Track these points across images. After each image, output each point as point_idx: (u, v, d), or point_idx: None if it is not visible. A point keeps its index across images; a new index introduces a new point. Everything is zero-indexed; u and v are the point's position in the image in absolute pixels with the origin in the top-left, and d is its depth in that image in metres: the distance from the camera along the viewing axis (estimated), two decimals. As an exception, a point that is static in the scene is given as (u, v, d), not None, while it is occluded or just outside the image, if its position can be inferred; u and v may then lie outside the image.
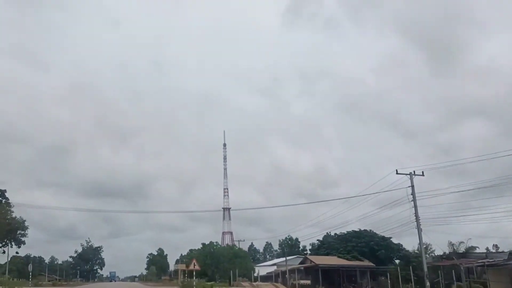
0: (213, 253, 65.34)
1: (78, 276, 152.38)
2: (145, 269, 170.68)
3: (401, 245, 63.82)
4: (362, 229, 65.51)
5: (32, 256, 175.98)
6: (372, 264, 58.54)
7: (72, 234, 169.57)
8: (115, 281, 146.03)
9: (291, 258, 78.22)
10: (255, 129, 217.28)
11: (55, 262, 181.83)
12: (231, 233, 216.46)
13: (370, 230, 63.09)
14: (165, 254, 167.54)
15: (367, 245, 61.06)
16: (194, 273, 46.80)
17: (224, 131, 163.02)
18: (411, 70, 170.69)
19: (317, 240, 76.00)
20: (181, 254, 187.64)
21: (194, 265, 39.91)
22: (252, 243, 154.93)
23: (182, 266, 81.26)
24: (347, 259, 59.27)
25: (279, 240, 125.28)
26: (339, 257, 60.46)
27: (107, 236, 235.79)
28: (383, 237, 60.37)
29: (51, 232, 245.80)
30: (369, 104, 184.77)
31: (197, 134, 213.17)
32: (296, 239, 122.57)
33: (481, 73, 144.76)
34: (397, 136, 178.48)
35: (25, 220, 69.68)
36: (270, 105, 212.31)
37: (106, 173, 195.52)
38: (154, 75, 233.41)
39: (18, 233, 67.12)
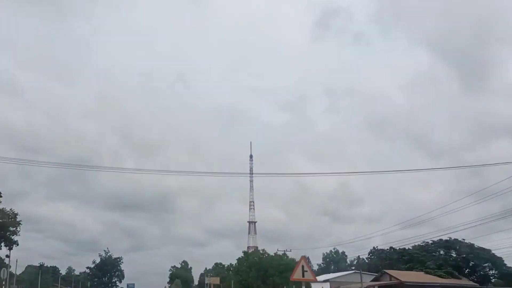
0: (260, 264, 51.12)
1: None
2: (168, 282, 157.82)
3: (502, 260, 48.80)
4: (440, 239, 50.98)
5: (45, 265, 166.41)
6: (474, 283, 43.74)
7: (92, 246, 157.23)
8: None
9: (347, 274, 64.12)
10: (280, 145, 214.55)
11: (72, 273, 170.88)
12: (256, 247, 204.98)
13: (463, 239, 48.69)
14: (189, 267, 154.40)
15: (464, 259, 46.53)
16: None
17: (250, 142, 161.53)
18: (440, 87, 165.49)
19: (370, 254, 64.32)
20: (206, 268, 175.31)
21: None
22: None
23: (216, 280, 67.71)
24: (440, 275, 44.66)
25: (323, 254, 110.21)
26: (426, 272, 46.01)
27: (128, 250, 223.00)
28: (483, 248, 45.95)
29: (71, 244, 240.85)
30: (396, 122, 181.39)
31: (221, 149, 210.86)
32: (343, 252, 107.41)
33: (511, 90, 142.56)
34: (424, 156, 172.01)
35: (17, 214, 56.69)
36: (295, 121, 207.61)
37: (129, 187, 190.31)
38: (178, 88, 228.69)
39: (8, 230, 54.02)
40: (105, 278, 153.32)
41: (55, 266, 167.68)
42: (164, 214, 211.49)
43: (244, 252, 54.47)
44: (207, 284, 70.56)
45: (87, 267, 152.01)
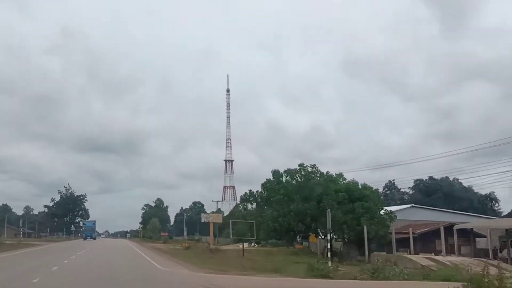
0: (310, 189, 31.72)
1: (50, 231, 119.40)
2: (140, 223, 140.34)
3: None
4: None
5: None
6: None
7: (60, 188, 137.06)
8: (93, 238, 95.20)
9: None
10: (253, 87, 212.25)
11: (31, 213, 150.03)
12: (233, 187, 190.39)
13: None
14: (165, 205, 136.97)
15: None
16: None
17: (227, 75, 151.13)
18: (421, 29, 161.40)
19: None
20: (182, 207, 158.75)
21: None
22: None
23: (217, 218, 49.78)
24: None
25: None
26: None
27: (97, 192, 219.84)
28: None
29: (37, 185, 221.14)
30: (373, 65, 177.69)
31: (193, 89, 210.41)
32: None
33: (490, 34, 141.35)
34: (399, 99, 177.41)
35: None
36: (270, 62, 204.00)
37: (98, 127, 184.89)
38: (148, 25, 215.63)
39: None
40: (66, 218, 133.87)
41: (5, 204, 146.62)
42: (135, 156, 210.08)
43: (275, 172, 34.77)
44: (204, 222, 51.78)
45: (45, 205, 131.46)
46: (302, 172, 33.61)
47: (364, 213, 29.96)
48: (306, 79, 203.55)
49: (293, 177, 33.66)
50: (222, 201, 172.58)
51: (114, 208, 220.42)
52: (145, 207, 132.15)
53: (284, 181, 34.09)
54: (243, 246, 31.27)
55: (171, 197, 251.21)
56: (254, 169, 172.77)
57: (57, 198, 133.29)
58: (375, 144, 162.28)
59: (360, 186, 33.79)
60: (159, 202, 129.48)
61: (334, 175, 33.82)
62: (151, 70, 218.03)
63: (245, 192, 41.78)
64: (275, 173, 35.58)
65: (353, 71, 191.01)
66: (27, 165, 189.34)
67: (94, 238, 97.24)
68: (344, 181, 33.76)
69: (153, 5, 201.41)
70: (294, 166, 34.99)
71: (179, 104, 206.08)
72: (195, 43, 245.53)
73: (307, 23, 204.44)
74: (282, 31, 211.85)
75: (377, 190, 38.31)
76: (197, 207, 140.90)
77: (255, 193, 39.18)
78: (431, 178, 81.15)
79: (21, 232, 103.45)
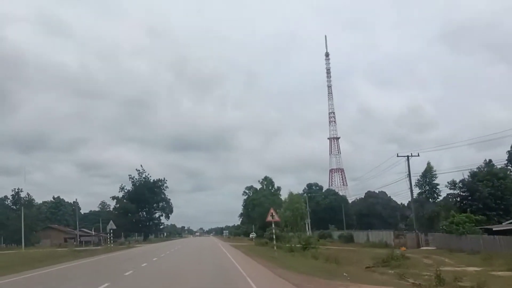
0: None
1: (119, 231, 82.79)
2: (239, 216, 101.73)
3: None
4: None
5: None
6: None
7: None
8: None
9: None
10: (342, 69, 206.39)
11: (107, 210, 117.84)
12: (341, 170, 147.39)
13: None
14: (275, 187, 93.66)
15: None
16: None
17: (325, 36, 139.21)
18: None
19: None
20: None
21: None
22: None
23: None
24: None
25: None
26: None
27: (190, 190, 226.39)
28: None
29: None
30: (475, 31, 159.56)
31: (279, 78, 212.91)
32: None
33: None
34: (509, 70, 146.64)
35: None
36: (359, 41, 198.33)
37: (187, 125, 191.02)
38: (231, 19, 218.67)
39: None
40: (142, 212, 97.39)
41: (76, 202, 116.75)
42: (224, 152, 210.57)
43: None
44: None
45: (113, 197, 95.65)
46: None
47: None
48: (399, 55, 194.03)
49: None
50: (330, 187, 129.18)
51: (208, 205, 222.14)
52: (247, 191, 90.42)
53: None
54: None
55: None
56: (346, 157, 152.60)
57: (129, 186, 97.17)
58: (481, 121, 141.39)
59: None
60: (268, 182, 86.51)
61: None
62: (236, 64, 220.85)
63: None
64: None
65: (453, 41, 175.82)
66: (123, 167, 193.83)
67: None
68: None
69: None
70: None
71: (266, 95, 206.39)
72: (278, 31, 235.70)
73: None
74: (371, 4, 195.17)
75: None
76: (313, 191, 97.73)
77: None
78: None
79: (77, 238, 68.93)
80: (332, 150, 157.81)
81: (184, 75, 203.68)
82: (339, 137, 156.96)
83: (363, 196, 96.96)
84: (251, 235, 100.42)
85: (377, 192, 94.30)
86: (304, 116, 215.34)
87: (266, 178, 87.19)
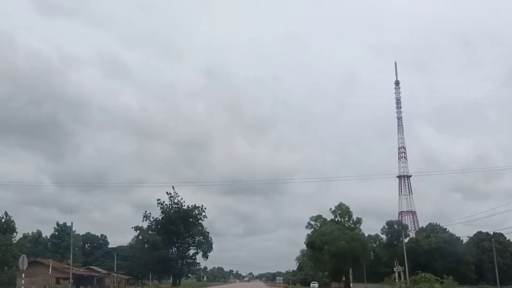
0: None
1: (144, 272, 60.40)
2: (296, 259, 79.15)
3: None
4: None
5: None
6: None
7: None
8: None
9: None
10: (405, 112, 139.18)
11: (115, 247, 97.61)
12: (413, 213, 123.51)
13: None
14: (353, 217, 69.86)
15: None
16: None
17: (395, 63, 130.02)
18: None
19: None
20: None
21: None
22: None
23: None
24: None
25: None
26: None
27: (243, 234, 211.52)
28: None
29: None
30: None
31: (335, 121, 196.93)
32: None
33: None
34: None
35: None
36: (422, 83, 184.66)
37: (241, 167, 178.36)
38: (287, 59, 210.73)
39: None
40: (173, 248, 75.18)
41: (104, 235, 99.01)
42: (278, 196, 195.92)
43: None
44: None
45: (135, 227, 74.38)
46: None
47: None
48: (465, 98, 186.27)
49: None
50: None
51: (259, 249, 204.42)
52: (312, 223, 66.59)
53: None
54: None
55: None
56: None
57: (157, 214, 76.08)
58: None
59: None
60: (343, 211, 62.97)
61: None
62: (291, 104, 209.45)
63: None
64: None
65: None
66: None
67: None
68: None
69: (291, 41, 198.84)
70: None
71: (320, 138, 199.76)
72: (336, 71, 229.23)
73: (465, 29, 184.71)
74: (434, 44, 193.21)
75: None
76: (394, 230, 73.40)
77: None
78: None
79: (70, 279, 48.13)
80: (401, 190, 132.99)
81: (239, 116, 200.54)
82: (411, 175, 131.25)
83: (466, 238, 71.57)
84: (312, 285, 78.01)
85: (491, 233, 68.80)
86: (362, 159, 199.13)
87: (340, 206, 63.69)
